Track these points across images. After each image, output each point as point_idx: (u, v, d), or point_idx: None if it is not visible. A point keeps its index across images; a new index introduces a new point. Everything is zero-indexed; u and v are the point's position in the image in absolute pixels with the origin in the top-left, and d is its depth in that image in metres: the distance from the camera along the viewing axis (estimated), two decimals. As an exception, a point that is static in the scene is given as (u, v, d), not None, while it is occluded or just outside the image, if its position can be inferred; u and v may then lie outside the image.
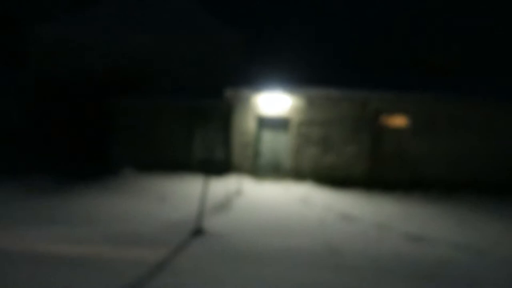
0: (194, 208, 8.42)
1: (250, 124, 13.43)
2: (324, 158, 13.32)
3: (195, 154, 13.63)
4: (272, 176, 13.29)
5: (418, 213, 10.07)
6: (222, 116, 13.66)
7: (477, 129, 13.12)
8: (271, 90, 13.25)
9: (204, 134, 13.67)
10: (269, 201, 10.26)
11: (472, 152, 13.09)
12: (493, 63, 17.17)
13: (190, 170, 13.35)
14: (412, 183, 13.22)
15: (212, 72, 15.24)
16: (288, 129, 13.44)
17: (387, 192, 12.91)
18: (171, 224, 7.77)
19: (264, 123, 13.48)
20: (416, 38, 18.22)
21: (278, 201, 10.42)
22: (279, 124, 13.47)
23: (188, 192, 10.64)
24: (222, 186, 11.45)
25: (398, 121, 13.48)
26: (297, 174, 13.21)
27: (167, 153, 13.61)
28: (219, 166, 13.45)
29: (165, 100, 13.74)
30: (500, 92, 14.02)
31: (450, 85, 14.57)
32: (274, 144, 13.47)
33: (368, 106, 13.39)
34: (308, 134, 13.36)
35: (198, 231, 7.00)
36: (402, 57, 17.21)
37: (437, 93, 13.40)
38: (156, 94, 14.40)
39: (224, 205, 9.24)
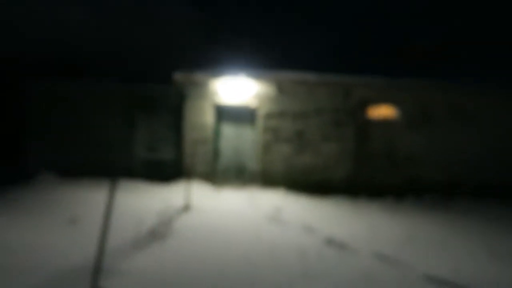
0: (115, 236, 5.30)
1: (207, 116, 10.26)
2: (298, 159, 10.33)
3: (137, 154, 10.32)
4: (235, 181, 10.19)
5: (427, 234, 7.22)
6: (172, 106, 10.42)
7: (483, 121, 10.51)
8: (233, 74, 10.14)
9: (149, 128, 10.38)
10: (228, 220, 7.14)
11: (477, 149, 10.46)
12: (484, 50, 14.50)
13: (131, 175, 10.06)
14: (405, 187, 10.47)
15: (164, 54, 11.93)
16: (254, 122, 10.38)
17: (375, 199, 10.11)
18: (61, 276, 4.53)
19: (225, 114, 10.36)
20: (399, 22, 15.37)
21: (240, 219, 7.33)
22: (243, 116, 10.38)
23: (117, 209, 7.38)
24: (165, 198, 8.25)
25: (388, 112, 10.68)
26: (266, 178, 10.17)
27: (101, 152, 10.22)
28: (168, 170, 10.22)
29: (99, 84, 10.30)
30: (502, 79, 11.48)
31: (440, 72, 11.95)
32: (237, 141, 10.37)
33: (352, 95, 10.51)
34: (279, 129, 10.34)
35: (92, 297, 3.81)
36: (385, 42, 14.34)
37: (434, 79, 10.69)
38: (91, 79, 10.96)
39: (158, 231, 6.04)
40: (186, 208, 7.46)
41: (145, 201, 7.71)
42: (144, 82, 10.36)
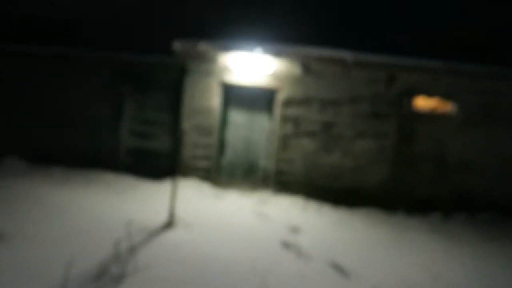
0: (37, 278, 3.15)
1: (213, 98, 7.95)
2: (324, 158, 7.95)
3: (123, 140, 8.11)
4: (242, 183, 7.90)
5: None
6: (171, 83, 8.14)
7: None
8: (247, 48, 7.76)
9: (140, 109, 8.15)
10: (224, 246, 4.85)
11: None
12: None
13: (114, 167, 7.89)
14: (454, 202, 8.01)
15: (163, 19, 9.58)
16: (271, 109, 8.02)
17: (416, 214, 7.70)
18: None
19: (235, 97, 8.03)
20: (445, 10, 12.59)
21: (242, 243, 5.04)
22: (258, 100, 8.03)
23: (65, 221, 5.18)
24: (146, 204, 6.03)
25: (439, 105, 8.18)
26: (281, 181, 7.83)
27: (79, 136, 8.07)
28: (161, 163, 8.00)
29: (78, 50, 8.04)
30: None
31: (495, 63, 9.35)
32: (248, 132, 8.04)
33: (396, 80, 8.02)
34: (302, 119, 7.96)
35: None
36: (429, 31, 11.62)
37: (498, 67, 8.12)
38: (72, 46, 8.71)
39: (111, 270, 3.79)
40: (169, 224, 5.21)
41: (114, 209, 5.49)
42: (136, 51, 8.08)
